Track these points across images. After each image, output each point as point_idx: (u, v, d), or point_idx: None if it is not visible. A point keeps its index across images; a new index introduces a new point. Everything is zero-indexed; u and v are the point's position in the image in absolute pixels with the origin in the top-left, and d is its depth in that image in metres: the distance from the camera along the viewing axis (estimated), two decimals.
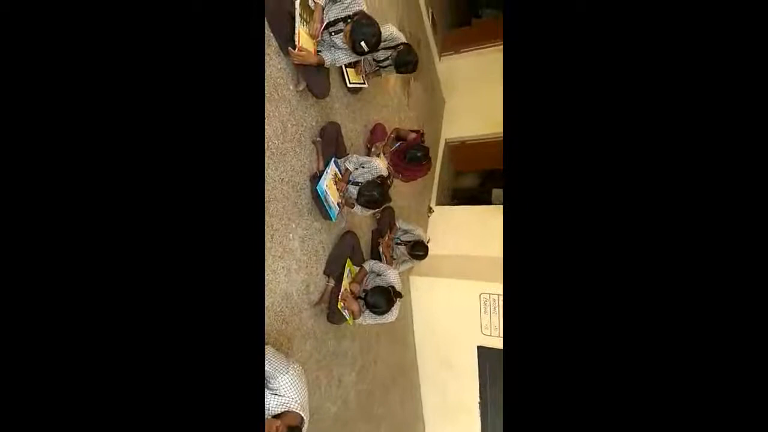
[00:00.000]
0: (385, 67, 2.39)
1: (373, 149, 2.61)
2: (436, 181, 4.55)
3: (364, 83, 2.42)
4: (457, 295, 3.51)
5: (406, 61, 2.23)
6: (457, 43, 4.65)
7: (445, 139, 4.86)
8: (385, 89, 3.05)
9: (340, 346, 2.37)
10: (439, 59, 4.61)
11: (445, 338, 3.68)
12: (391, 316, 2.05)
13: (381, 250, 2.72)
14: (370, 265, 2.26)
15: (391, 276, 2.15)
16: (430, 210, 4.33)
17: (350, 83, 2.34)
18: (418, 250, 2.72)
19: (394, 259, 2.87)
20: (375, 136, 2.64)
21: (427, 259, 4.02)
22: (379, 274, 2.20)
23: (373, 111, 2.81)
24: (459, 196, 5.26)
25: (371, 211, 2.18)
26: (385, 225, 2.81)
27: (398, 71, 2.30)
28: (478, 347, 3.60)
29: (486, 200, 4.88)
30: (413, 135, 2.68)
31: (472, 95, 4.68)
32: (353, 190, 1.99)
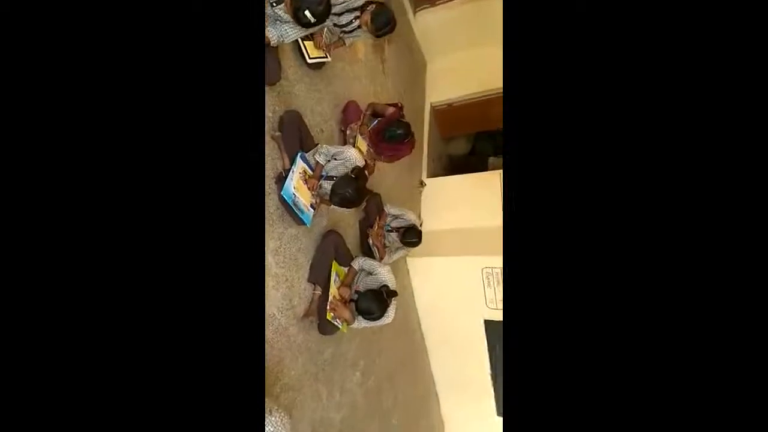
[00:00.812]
0: (351, 32, 2.04)
1: (348, 132, 2.32)
2: (425, 151, 4.25)
3: (325, 56, 2.08)
4: (459, 272, 3.35)
5: (386, 20, 1.87)
6: None
7: (431, 104, 4.49)
8: (353, 59, 2.69)
9: (339, 350, 2.22)
10: (414, 15, 4.14)
11: (451, 316, 3.57)
12: (388, 318, 1.87)
13: (371, 241, 2.50)
14: (359, 263, 2.05)
15: (383, 274, 1.95)
16: (422, 184, 4.07)
17: (310, 58, 2.00)
18: (411, 236, 2.51)
19: (387, 246, 2.66)
20: (348, 117, 2.34)
21: (424, 236, 3.86)
22: (369, 273, 2.00)
23: (343, 87, 2.48)
24: (451, 164, 4.98)
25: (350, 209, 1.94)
26: (372, 213, 2.57)
27: (378, 35, 1.95)
28: (485, 321, 3.50)
29: (481, 167, 4.60)
30: (391, 110, 2.37)
31: (455, 52, 4.25)
32: (328, 186, 1.74)
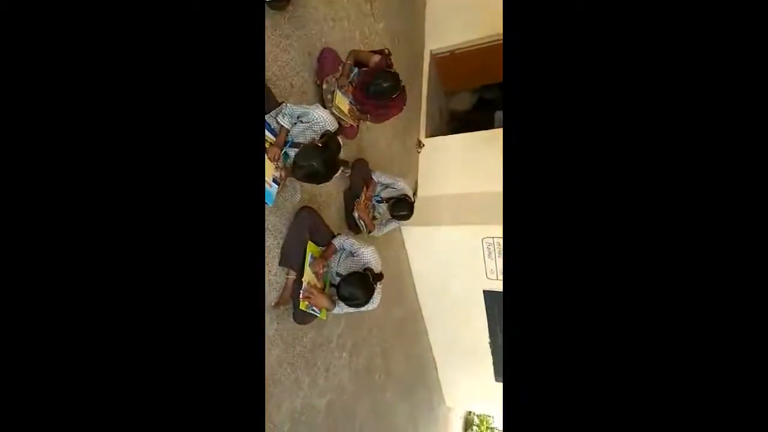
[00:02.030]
0: None
1: (324, 86, 1.95)
2: (423, 107, 3.83)
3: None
4: (458, 242, 3.11)
5: None
6: None
7: (430, 51, 3.97)
8: None
9: (321, 333, 2.06)
10: None
11: (449, 287, 3.39)
12: (373, 303, 1.66)
13: (357, 215, 2.24)
14: (340, 241, 1.80)
15: (366, 255, 1.71)
16: (420, 144, 3.71)
17: None
18: (400, 209, 2.22)
19: (376, 219, 2.40)
20: (324, 67, 1.96)
21: (421, 203, 3.58)
22: (351, 254, 1.76)
23: (318, 31, 2.06)
24: (453, 121, 4.54)
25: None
26: (358, 183, 2.28)
27: None
28: (485, 291, 3.32)
29: (486, 124, 4.16)
30: (376, 58, 1.98)
31: None
32: (294, 155, 1.44)
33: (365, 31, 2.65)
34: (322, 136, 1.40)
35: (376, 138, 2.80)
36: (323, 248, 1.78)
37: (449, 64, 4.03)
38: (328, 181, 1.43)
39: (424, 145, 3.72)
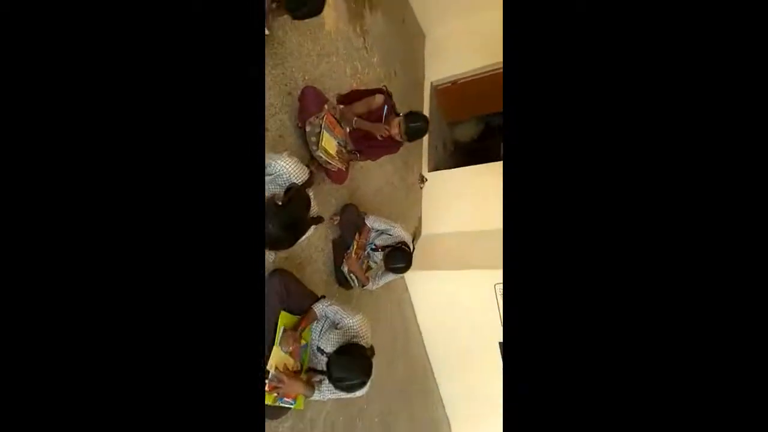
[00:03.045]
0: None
1: (308, 128, 1.74)
2: (425, 139, 3.61)
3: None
4: (468, 289, 2.77)
5: None
6: None
7: (432, 83, 3.82)
8: (316, 32, 2.08)
9: (303, 421, 1.72)
10: None
11: (461, 339, 3.01)
12: (362, 390, 1.35)
13: (346, 269, 1.96)
14: (321, 307, 1.51)
15: (353, 326, 1.41)
16: (423, 179, 3.47)
17: None
18: (396, 260, 1.93)
19: (371, 269, 2.12)
20: (306, 108, 1.75)
21: (426, 242, 3.29)
22: (335, 324, 1.47)
23: (300, 67, 1.89)
24: (458, 152, 4.31)
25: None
26: (349, 231, 2.01)
27: (294, 14, 1.39)
28: (501, 343, 2.93)
29: (494, 153, 3.90)
30: (379, 100, 1.79)
31: (458, 19, 3.54)
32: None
33: (357, 66, 2.49)
34: (287, 190, 1.15)
35: (373, 176, 2.57)
36: (301, 316, 1.49)
37: (451, 94, 3.85)
38: (291, 246, 1.17)
39: (426, 179, 3.48)
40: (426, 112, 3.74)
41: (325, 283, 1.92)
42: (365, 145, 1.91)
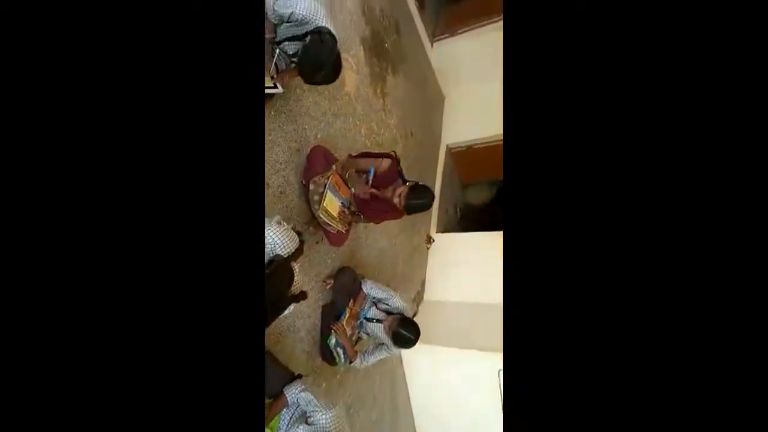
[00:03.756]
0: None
1: (311, 187, 1.67)
2: (436, 200, 3.55)
3: (275, 86, 1.48)
4: (469, 372, 2.50)
5: (317, 63, 1.32)
6: (452, 23, 3.62)
7: (447, 145, 3.85)
8: (336, 93, 2.10)
9: None
10: (431, 45, 3.61)
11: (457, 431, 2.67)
12: None
13: (333, 340, 1.77)
14: (294, 392, 1.31)
15: (324, 424, 1.21)
16: (430, 240, 3.35)
17: None
18: (408, 332, 1.74)
19: (361, 340, 1.92)
20: (313, 166, 1.70)
21: (428, 311, 3.07)
22: (305, 417, 1.26)
23: (314, 125, 1.87)
24: (469, 216, 4.22)
25: None
26: (342, 297, 1.86)
27: (307, 79, 1.39)
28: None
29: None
30: (386, 164, 1.72)
31: (477, 87, 3.64)
32: None
33: (373, 127, 2.50)
34: (270, 263, 1.03)
35: (377, 235, 2.46)
36: (270, 401, 1.30)
37: (466, 157, 3.86)
38: (265, 327, 1.03)
39: (434, 240, 3.36)
40: (439, 173, 3.73)
41: (308, 356, 1.73)
42: (368, 207, 1.83)
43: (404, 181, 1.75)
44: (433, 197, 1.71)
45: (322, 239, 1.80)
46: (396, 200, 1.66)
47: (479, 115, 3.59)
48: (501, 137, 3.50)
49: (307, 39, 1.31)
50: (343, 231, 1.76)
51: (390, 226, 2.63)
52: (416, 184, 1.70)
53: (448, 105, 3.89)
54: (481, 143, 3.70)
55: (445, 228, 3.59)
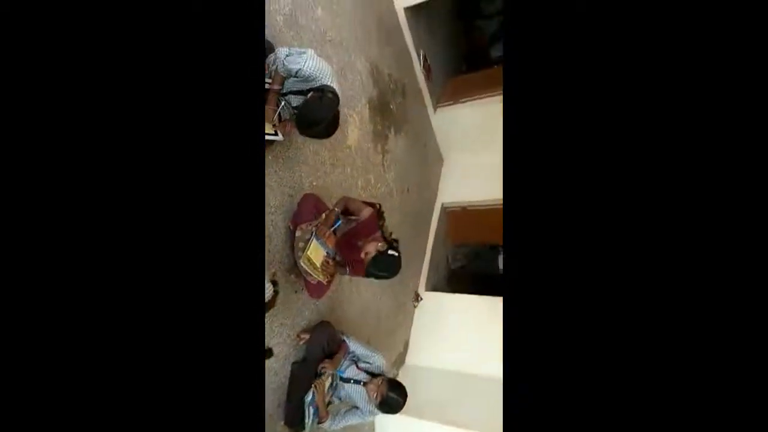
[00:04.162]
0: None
1: (297, 233, 1.64)
2: (427, 257, 3.51)
3: (275, 134, 1.52)
4: None
5: (312, 118, 1.37)
6: (456, 92, 3.88)
7: (443, 204, 3.90)
8: (338, 144, 2.17)
9: None
10: (435, 110, 3.82)
11: None
12: None
13: (309, 397, 1.62)
14: None
15: None
16: (417, 298, 3.24)
17: None
18: (396, 395, 1.59)
19: (331, 405, 1.75)
20: (302, 213, 1.69)
21: (408, 377, 2.87)
22: None
23: (311, 173, 1.90)
24: (459, 277, 4.15)
25: None
26: (316, 354, 1.73)
27: (302, 131, 1.44)
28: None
29: (495, 285, 3.72)
30: (366, 212, 1.70)
31: (475, 153, 3.78)
32: None
33: (370, 179, 2.54)
34: None
35: (362, 288, 2.38)
36: None
37: (460, 218, 3.89)
38: None
39: (422, 299, 3.25)
40: (433, 230, 3.73)
41: (269, 419, 1.56)
42: (350, 256, 1.76)
43: (383, 238, 1.70)
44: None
45: (302, 289, 1.73)
46: (362, 255, 1.60)
47: (476, 179, 3.68)
48: (496, 202, 3.56)
49: (309, 95, 1.37)
50: (324, 282, 1.69)
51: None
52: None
53: (447, 167, 4.01)
54: (476, 205, 3.76)
55: (435, 286, 3.50)
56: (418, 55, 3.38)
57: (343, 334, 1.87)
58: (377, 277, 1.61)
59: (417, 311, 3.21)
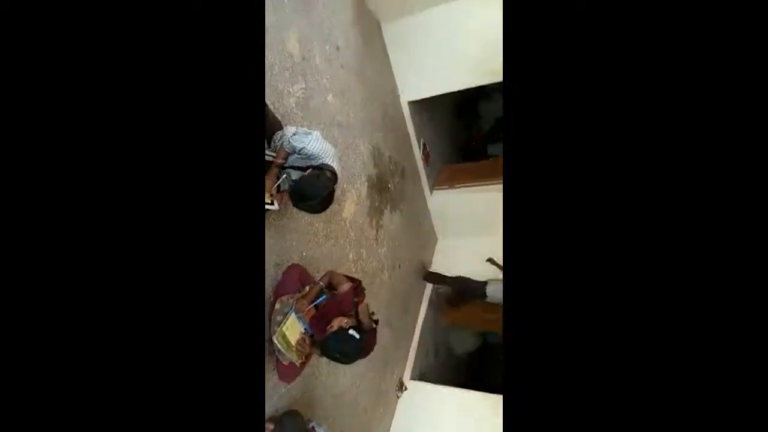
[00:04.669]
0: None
1: (277, 306, 1.57)
2: (415, 340, 3.31)
3: (272, 203, 1.55)
4: None
5: (306, 193, 1.42)
6: (453, 178, 4.09)
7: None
8: (333, 217, 2.20)
9: None
10: (431, 192, 3.99)
11: None
12: None
13: None
14: None
15: None
16: (402, 388, 2.96)
17: None
18: None
19: None
20: (285, 284, 1.64)
21: None
22: None
23: (302, 243, 1.89)
24: (449, 366, 3.86)
25: None
26: None
27: (295, 203, 1.48)
28: None
29: (489, 382, 3.41)
30: (345, 286, 1.64)
31: (470, 237, 3.84)
32: None
33: (362, 253, 2.53)
34: None
35: (339, 370, 2.18)
36: None
37: (452, 301, 3.78)
38: None
39: (406, 389, 2.97)
40: (423, 310, 3.59)
41: None
42: (320, 333, 1.64)
43: (355, 316, 1.61)
44: (355, 352, 1.54)
45: (273, 369, 1.58)
46: (327, 329, 1.51)
47: (471, 262, 3.67)
48: None
49: (308, 171, 1.44)
50: (297, 364, 1.57)
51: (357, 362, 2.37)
52: (358, 325, 1.56)
53: (441, 247, 4.04)
54: None
55: (422, 375, 3.23)
56: (419, 143, 3.65)
57: (312, 422, 1.66)
58: (332, 357, 1.49)
59: (400, 402, 2.90)
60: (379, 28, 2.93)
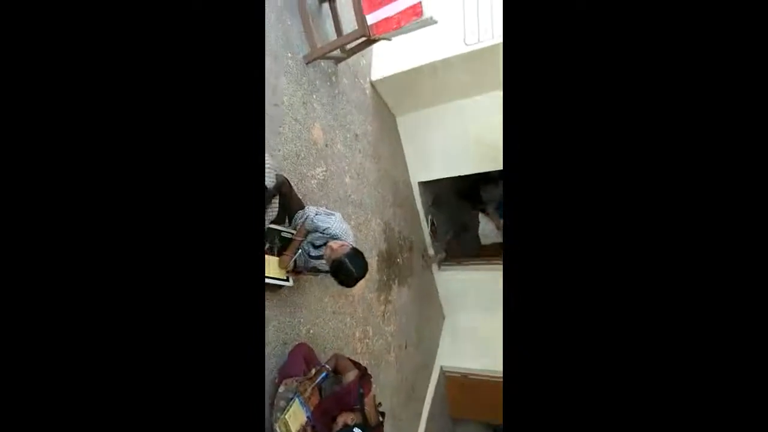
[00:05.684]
0: (322, 269, 1.62)
1: (281, 389, 1.50)
2: (422, 428, 3.02)
3: (287, 280, 1.59)
4: None
5: (344, 270, 1.48)
6: (460, 255, 4.13)
7: (441, 367, 3.61)
8: (343, 292, 2.21)
9: None
10: (439, 267, 4.00)
11: None
12: None
13: None
14: None
15: None
16: None
17: (266, 276, 1.52)
18: None
19: None
20: (291, 365, 1.58)
21: None
22: None
23: (309, 320, 1.87)
24: None
25: None
26: None
27: (335, 277, 1.52)
28: None
29: None
30: (351, 375, 1.58)
31: (478, 317, 3.74)
32: None
33: (368, 331, 2.46)
34: None
35: None
36: None
37: (460, 386, 3.53)
38: None
39: None
40: (430, 396, 3.34)
41: None
42: (324, 429, 1.53)
43: (361, 411, 1.52)
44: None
45: None
46: (333, 426, 1.41)
47: (478, 345, 3.52)
48: (499, 374, 3.29)
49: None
50: None
51: None
52: (364, 423, 1.48)
53: (448, 325, 3.91)
54: (479, 374, 3.46)
55: None
56: (427, 220, 3.78)
57: None
58: None
59: None
60: (394, 120, 3.26)
